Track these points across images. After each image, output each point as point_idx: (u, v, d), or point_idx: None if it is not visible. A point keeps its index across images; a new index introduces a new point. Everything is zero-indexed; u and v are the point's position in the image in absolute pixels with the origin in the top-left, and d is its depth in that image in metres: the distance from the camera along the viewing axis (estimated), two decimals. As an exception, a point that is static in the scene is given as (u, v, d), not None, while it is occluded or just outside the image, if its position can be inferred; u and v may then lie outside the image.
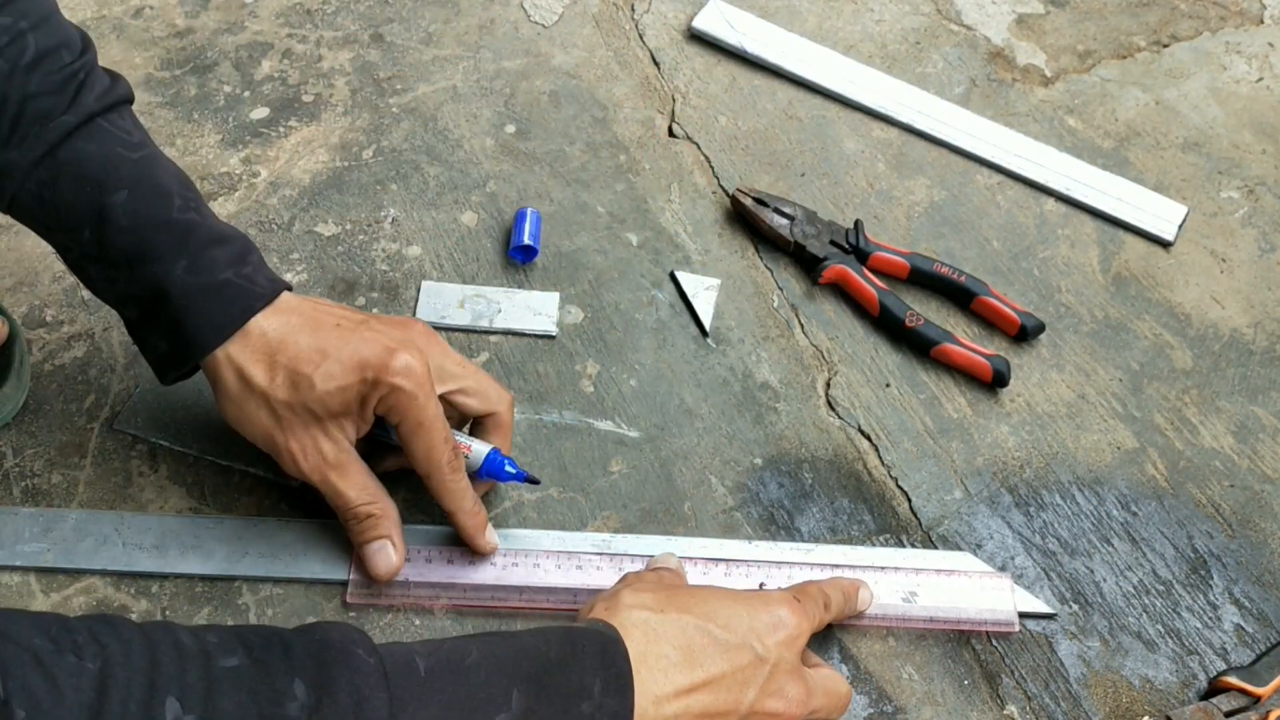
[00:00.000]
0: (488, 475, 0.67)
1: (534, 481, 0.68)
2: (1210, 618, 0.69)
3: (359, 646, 0.48)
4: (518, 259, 0.83)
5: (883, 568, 0.69)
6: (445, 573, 0.67)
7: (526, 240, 0.82)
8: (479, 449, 0.67)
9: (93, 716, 0.41)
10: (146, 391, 0.74)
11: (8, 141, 0.60)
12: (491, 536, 0.67)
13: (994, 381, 0.78)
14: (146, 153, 0.64)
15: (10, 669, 0.40)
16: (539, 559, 0.68)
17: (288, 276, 0.81)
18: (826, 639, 0.67)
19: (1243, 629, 0.69)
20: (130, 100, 0.65)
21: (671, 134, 0.92)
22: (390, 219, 0.85)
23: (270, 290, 0.63)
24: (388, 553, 0.65)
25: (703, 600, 0.58)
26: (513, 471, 0.67)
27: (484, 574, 0.67)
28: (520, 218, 0.83)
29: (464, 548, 0.67)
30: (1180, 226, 0.87)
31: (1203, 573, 0.71)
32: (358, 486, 0.64)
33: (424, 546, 0.68)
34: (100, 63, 0.65)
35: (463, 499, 0.65)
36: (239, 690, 0.44)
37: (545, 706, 0.50)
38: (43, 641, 0.42)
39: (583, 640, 0.53)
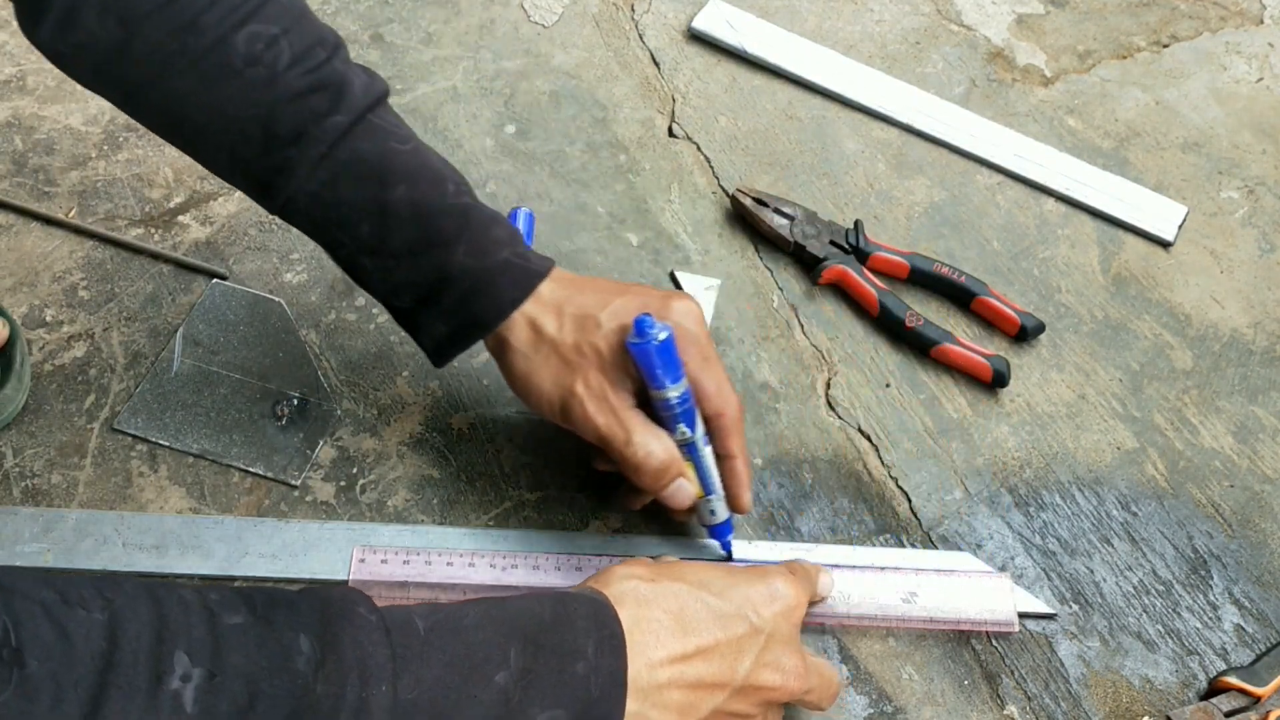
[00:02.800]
0: (716, 534, 0.68)
1: (729, 556, 0.68)
2: (1210, 618, 0.69)
3: (360, 605, 0.49)
4: (518, 259, 0.83)
5: (882, 568, 0.69)
6: (445, 574, 0.67)
7: (526, 240, 0.82)
8: (723, 512, 0.67)
9: (104, 666, 0.41)
10: (146, 391, 0.74)
11: (284, 144, 0.62)
12: (749, 496, 0.68)
13: (994, 381, 0.78)
14: (415, 144, 0.65)
15: (21, 620, 0.41)
16: (539, 560, 0.68)
17: (287, 277, 0.81)
18: (825, 637, 0.67)
19: (1243, 629, 0.69)
20: (389, 93, 0.66)
21: (671, 134, 0.92)
22: (390, 219, 0.85)
23: (545, 266, 0.65)
24: (685, 488, 0.65)
25: (696, 571, 0.58)
26: (726, 538, 0.68)
27: (483, 575, 0.67)
28: (513, 218, 0.83)
29: (465, 548, 0.67)
30: (1180, 226, 0.87)
31: (1203, 573, 0.71)
32: (642, 429, 0.63)
33: (424, 549, 0.68)
34: None
35: (744, 443, 0.66)
36: (245, 645, 0.45)
37: (542, 665, 0.50)
38: (50, 595, 0.42)
39: (574, 604, 0.54)
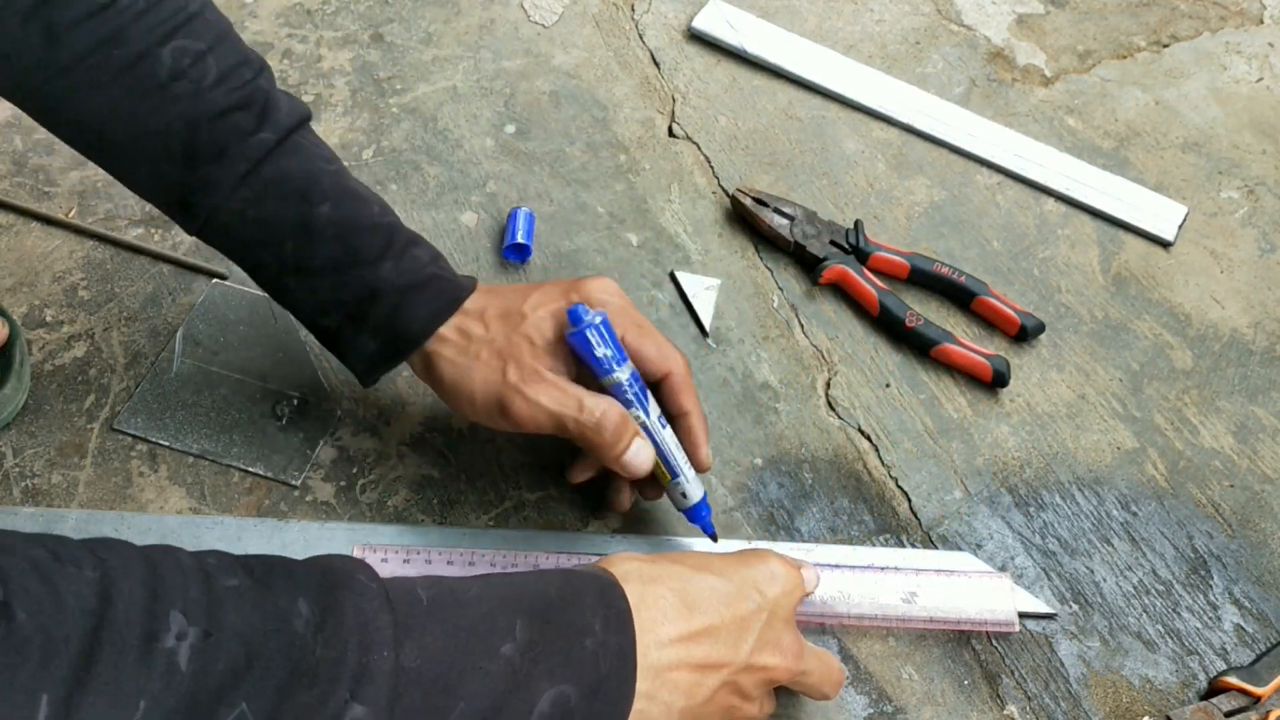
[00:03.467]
0: (695, 518, 0.67)
1: (713, 538, 0.68)
2: (1210, 618, 0.69)
3: (361, 573, 0.48)
4: (511, 258, 0.83)
5: (883, 568, 0.69)
6: (445, 572, 0.67)
7: (519, 239, 0.82)
8: (695, 492, 0.66)
9: (95, 624, 0.40)
10: (146, 391, 0.74)
11: (207, 159, 0.62)
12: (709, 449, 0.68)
13: (994, 381, 0.78)
14: (340, 166, 0.66)
15: (9, 575, 0.40)
16: (539, 559, 0.68)
17: (288, 276, 0.81)
18: (826, 639, 0.67)
19: (1243, 629, 0.69)
20: (311, 116, 0.67)
21: (671, 134, 0.92)
22: (390, 219, 0.85)
23: (470, 281, 0.66)
24: (642, 448, 0.64)
25: (696, 555, 0.59)
26: (705, 519, 0.67)
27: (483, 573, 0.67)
28: (513, 217, 0.83)
29: (465, 548, 0.68)
30: (1180, 226, 0.87)
31: (1203, 573, 0.71)
32: (593, 399, 0.63)
33: (424, 547, 0.68)
34: None
35: (697, 399, 0.66)
36: (243, 606, 0.44)
37: (549, 640, 0.50)
38: (42, 553, 0.42)
39: (580, 582, 0.54)
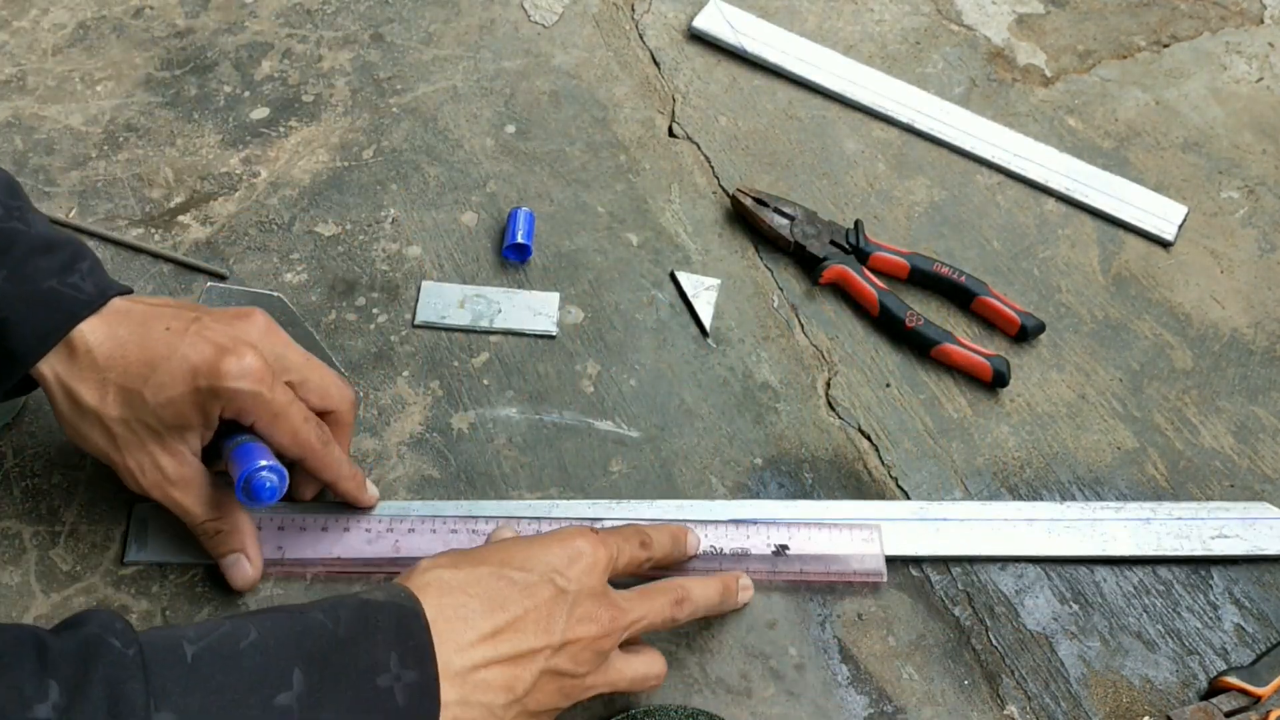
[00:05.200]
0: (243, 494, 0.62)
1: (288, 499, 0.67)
2: (1210, 618, 0.69)
3: (116, 637, 0.47)
4: (511, 258, 0.83)
5: (754, 521, 0.70)
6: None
7: (520, 239, 0.82)
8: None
9: None
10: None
11: None
12: (372, 489, 0.68)
13: (994, 381, 0.78)
14: None
15: None
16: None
17: (287, 277, 0.81)
18: (826, 639, 0.67)
19: (1243, 629, 0.69)
20: None
21: (671, 134, 0.92)
22: (390, 219, 0.85)
23: (97, 297, 0.60)
24: (243, 566, 0.64)
25: (498, 550, 0.58)
26: (271, 487, 0.61)
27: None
28: (513, 217, 0.83)
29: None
30: (1180, 226, 0.87)
31: (1203, 573, 0.71)
32: (202, 502, 0.62)
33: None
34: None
35: (340, 467, 0.65)
36: None
37: (332, 684, 0.50)
38: None
39: (376, 615, 0.53)
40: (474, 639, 0.54)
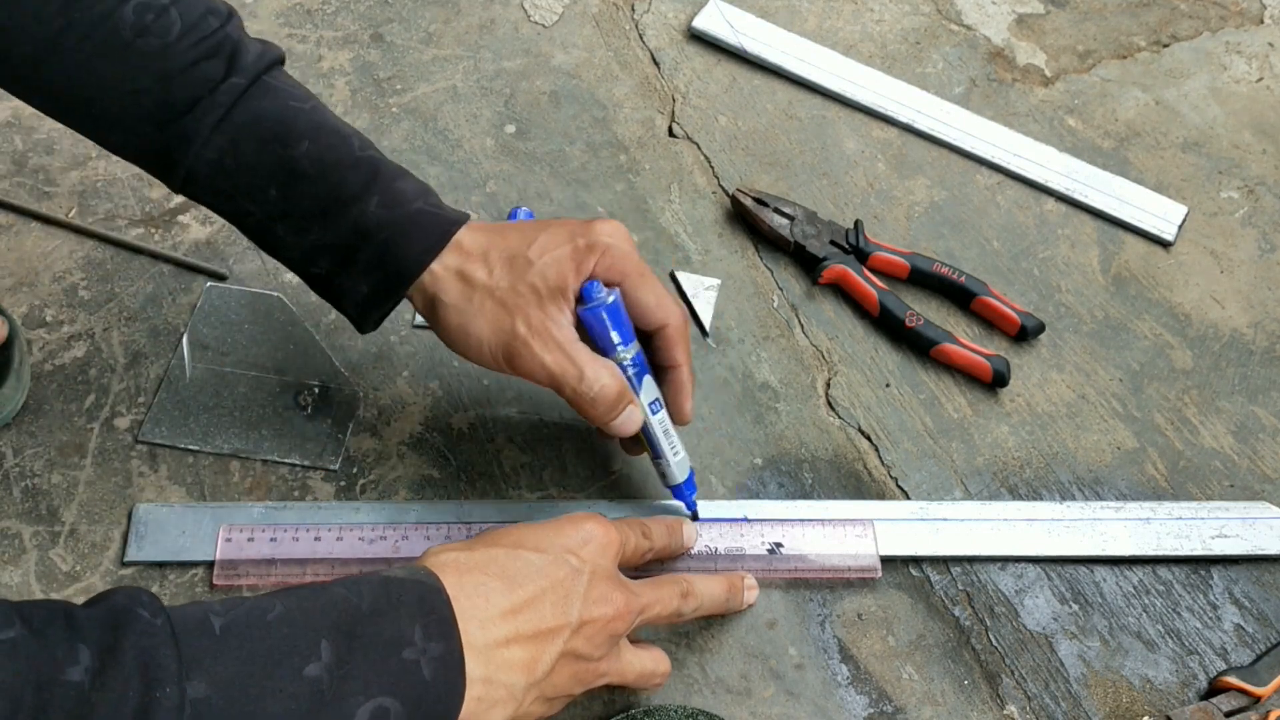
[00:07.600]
0: (678, 495, 0.68)
1: (694, 516, 0.69)
2: (1210, 618, 0.70)
3: (143, 608, 0.47)
4: (518, 258, 0.83)
5: (747, 519, 0.70)
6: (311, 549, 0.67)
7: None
8: (676, 474, 0.67)
9: None
10: (165, 400, 0.74)
11: (180, 113, 0.61)
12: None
13: (994, 381, 0.78)
14: (315, 103, 0.64)
15: None
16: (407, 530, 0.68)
17: (287, 277, 0.81)
18: (826, 639, 0.67)
19: (1243, 629, 0.69)
20: (284, 59, 0.65)
21: (671, 134, 0.92)
22: (390, 219, 0.85)
23: (461, 215, 0.65)
24: (634, 416, 0.65)
25: (509, 533, 0.59)
26: (688, 497, 0.69)
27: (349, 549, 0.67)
28: (513, 217, 0.83)
29: (332, 524, 0.68)
30: (1180, 226, 0.87)
31: (1203, 573, 0.71)
32: (596, 365, 0.63)
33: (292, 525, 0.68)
34: None
35: (689, 353, 0.66)
36: (14, 660, 0.43)
37: (360, 656, 0.50)
38: None
39: (398, 590, 0.53)
40: (495, 614, 0.54)
